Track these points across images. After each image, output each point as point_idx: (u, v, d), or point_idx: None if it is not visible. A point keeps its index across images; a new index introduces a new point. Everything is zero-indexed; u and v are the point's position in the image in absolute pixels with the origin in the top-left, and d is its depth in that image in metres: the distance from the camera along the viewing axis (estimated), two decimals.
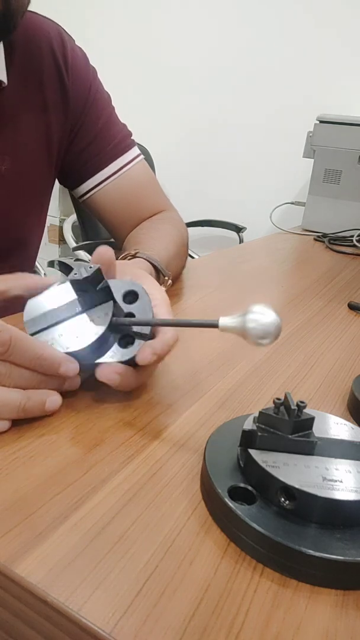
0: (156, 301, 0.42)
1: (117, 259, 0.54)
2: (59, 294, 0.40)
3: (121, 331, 0.39)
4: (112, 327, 0.38)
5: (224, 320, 0.34)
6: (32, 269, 0.80)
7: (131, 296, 0.40)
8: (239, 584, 0.25)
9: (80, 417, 0.37)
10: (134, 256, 0.58)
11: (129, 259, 0.58)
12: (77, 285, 0.38)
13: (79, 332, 0.38)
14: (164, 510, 0.29)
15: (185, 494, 0.30)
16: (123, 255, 0.59)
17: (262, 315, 0.33)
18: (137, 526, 0.27)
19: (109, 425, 0.36)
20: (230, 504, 0.27)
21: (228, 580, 0.25)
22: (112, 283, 0.39)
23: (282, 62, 1.82)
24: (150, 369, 0.41)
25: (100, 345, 0.38)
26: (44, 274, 1.19)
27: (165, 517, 0.28)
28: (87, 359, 0.38)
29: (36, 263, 0.92)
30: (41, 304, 0.40)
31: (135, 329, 0.39)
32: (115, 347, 0.39)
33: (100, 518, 0.28)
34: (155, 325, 0.39)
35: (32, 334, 0.38)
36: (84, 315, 0.39)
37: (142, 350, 0.37)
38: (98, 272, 0.37)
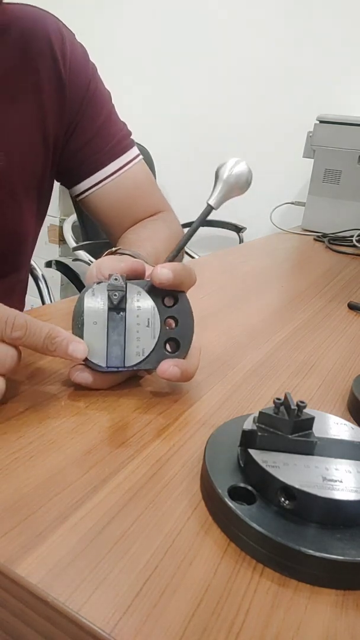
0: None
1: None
2: (93, 323, 0.40)
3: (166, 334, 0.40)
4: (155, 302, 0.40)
5: (212, 200, 0.40)
6: (27, 266, 0.80)
7: (171, 299, 0.41)
8: (239, 584, 0.25)
9: (80, 417, 0.37)
10: (116, 253, 0.57)
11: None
12: (118, 296, 0.39)
13: (147, 327, 0.39)
14: (164, 510, 0.29)
15: (185, 494, 0.30)
16: (106, 252, 0.59)
17: (235, 168, 0.40)
18: (137, 526, 0.27)
19: (109, 425, 0.36)
20: (230, 504, 0.27)
21: (228, 580, 0.25)
22: (141, 284, 0.40)
23: (282, 62, 1.82)
24: (197, 357, 0.42)
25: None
26: (42, 274, 1.19)
27: (165, 517, 0.28)
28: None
29: (32, 262, 0.91)
30: (93, 341, 0.39)
31: (175, 333, 0.40)
32: (163, 351, 0.40)
33: (100, 518, 0.28)
34: (172, 258, 0.41)
35: (126, 367, 0.39)
36: (134, 313, 0.40)
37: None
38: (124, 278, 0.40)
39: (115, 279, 0.39)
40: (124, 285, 0.39)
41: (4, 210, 0.67)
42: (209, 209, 0.39)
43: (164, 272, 0.38)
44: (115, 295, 0.38)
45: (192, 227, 0.40)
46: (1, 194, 0.65)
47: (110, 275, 0.39)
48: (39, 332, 0.36)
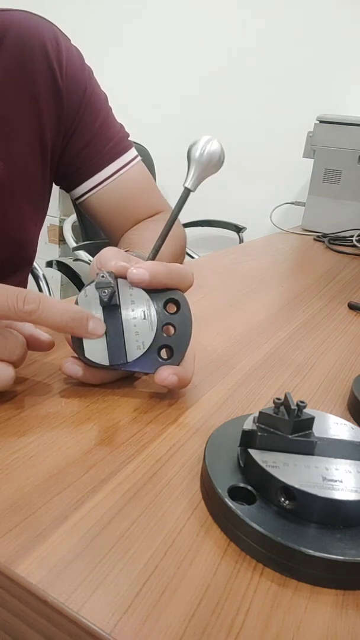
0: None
1: None
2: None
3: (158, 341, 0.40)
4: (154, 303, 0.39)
5: (188, 183, 0.39)
6: (29, 269, 0.80)
7: (172, 305, 0.40)
8: (239, 584, 0.25)
9: (80, 417, 0.37)
10: None
11: None
12: (107, 291, 0.38)
13: (144, 320, 0.39)
14: (164, 510, 0.29)
15: (185, 494, 0.30)
16: None
17: (207, 147, 0.39)
18: (137, 526, 0.27)
19: (109, 425, 0.36)
20: (230, 504, 0.27)
21: (228, 580, 0.25)
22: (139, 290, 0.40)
23: (282, 62, 1.82)
24: (193, 364, 0.42)
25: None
26: (43, 274, 1.19)
27: (165, 517, 0.28)
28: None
29: (34, 263, 0.91)
30: (93, 341, 0.39)
31: (171, 341, 0.40)
32: (157, 357, 0.40)
33: (100, 518, 0.28)
34: (155, 253, 0.40)
35: (128, 362, 0.39)
36: (129, 307, 0.39)
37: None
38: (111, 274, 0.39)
39: (102, 277, 0.38)
40: (112, 282, 0.38)
41: (5, 218, 0.67)
42: (187, 192, 0.39)
43: (138, 273, 0.37)
44: (104, 292, 0.38)
45: (172, 214, 0.39)
46: (3, 202, 0.65)
47: (97, 274, 0.38)
48: (55, 306, 0.35)
